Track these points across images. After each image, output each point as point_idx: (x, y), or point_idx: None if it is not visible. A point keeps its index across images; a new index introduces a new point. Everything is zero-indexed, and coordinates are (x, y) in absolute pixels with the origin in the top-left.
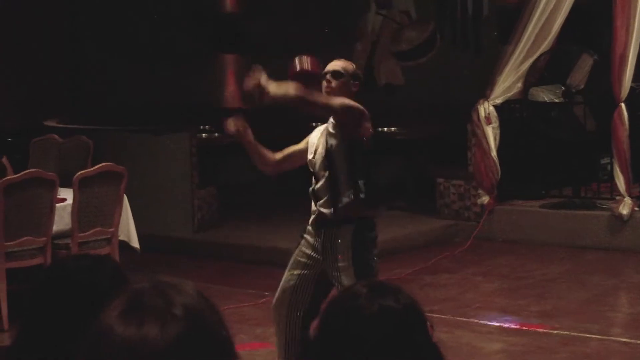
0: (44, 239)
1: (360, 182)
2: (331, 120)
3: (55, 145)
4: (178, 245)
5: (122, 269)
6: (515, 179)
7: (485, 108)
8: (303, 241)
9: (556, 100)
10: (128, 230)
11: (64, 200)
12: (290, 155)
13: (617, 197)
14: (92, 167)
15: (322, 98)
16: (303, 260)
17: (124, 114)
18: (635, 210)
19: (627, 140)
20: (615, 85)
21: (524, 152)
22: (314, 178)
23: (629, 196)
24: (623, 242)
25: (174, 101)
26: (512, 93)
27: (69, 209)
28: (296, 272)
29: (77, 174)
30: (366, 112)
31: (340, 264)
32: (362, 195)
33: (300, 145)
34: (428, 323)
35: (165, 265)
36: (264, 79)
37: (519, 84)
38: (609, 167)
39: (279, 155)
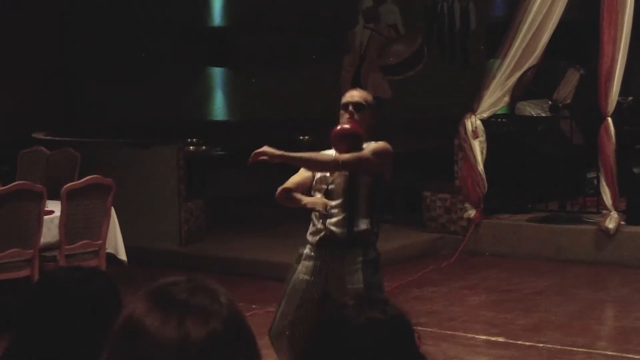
0: (32, 251)
1: (376, 215)
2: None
3: (43, 157)
4: (165, 257)
5: (113, 281)
6: (501, 193)
7: (472, 122)
8: (300, 267)
9: (543, 115)
10: (115, 242)
11: (51, 212)
12: (298, 186)
13: (604, 211)
14: (79, 179)
15: (352, 156)
16: (302, 289)
17: (112, 126)
18: (622, 225)
19: (614, 154)
20: (602, 100)
21: (511, 166)
22: (326, 195)
23: (615, 210)
24: (609, 256)
25: (162, 114)
26: (498, 107)
27: (57, 221)
28: (295, 304)
29: (65, 186)
30: (391, 150)
31: (349, 287)
32: (375, 229)
33: (306, 174)
34: (416, 334)
35: (152, 278)
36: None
37: (506, 98)
38: (595, 181)
39: (293, 189)
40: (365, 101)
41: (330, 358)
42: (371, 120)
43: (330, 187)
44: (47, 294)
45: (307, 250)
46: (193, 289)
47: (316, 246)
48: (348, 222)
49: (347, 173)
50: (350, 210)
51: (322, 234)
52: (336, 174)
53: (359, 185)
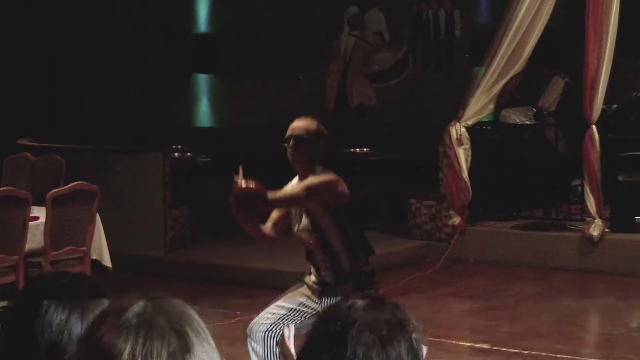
0: (17, 257)
1: (357, 244)
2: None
3: (29, 164)
4: (150, 264)
5: (100, 286)
6: (486, 200)
7: (457, 129)
8: (303, 288)
9: (528, 122)
10: (100, 249)
11: (36, 218)
12: (278, 221)
13: (588, 219)
14: (65, 185)
15: (283, 195)
16: (300, 300)
17: (98, 133)
18: (606, 232)
19: (598, 162)
20: (586, 108)
21: (495, 174)
22: (305, 249)
23: (600, 218)
24: (593, 264)
25: (147, 121)
26: (483, 115)
27: (42, 227)
28: (287, 308)
29: (50, 193)
30: (335, 178)
31: None
32: (361, 256)
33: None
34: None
35: (137, 285)
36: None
37: (491, 106)
38: (579, 188)
39: (271, 230)
40: (308, 132)
41: (332, 355)
42: (318, 149)
43: (300, 230)
44: (35, 298)
45: (308, 286)
46: (154, 310)
47: (315, 291)
48: (334, 270)
49: (305, 215)
50: (331, 260)
51: (316, 280)
52: (302, 230)
53: (325, 234)
